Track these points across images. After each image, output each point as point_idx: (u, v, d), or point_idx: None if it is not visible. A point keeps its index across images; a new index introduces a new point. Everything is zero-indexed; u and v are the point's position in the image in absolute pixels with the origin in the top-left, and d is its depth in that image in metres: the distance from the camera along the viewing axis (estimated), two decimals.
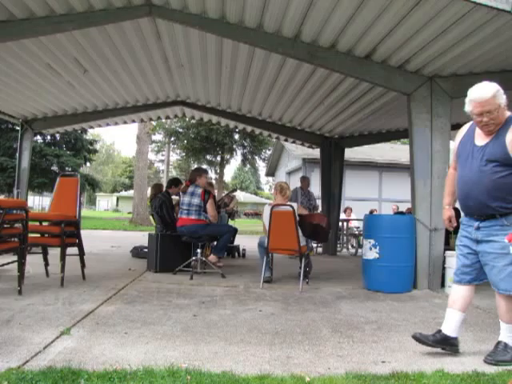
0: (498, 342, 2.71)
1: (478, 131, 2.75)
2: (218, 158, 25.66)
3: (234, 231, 7.03)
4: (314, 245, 9.35)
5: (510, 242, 2.59)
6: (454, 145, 2.94)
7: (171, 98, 8.90)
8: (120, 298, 4.16)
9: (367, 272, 5.15)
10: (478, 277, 2.78)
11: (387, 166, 16.22)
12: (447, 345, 2.75)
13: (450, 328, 2.77)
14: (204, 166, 22.91)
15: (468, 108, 2.67)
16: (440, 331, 2.79)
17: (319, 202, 9.97)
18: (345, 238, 11.38)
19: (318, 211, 8.96)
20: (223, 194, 9.98)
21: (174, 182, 7.09)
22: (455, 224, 3.01)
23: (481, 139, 2.71)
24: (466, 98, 2.66)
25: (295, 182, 17.09)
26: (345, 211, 12.61)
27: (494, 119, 2.59)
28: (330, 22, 4.76)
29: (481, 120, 2.61)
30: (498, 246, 2.62)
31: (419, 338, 2.77)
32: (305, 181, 9.19)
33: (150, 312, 3.63)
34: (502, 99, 2.59)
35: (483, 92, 2.57)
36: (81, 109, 8.91)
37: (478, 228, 2.72)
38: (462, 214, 2.93)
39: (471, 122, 2.82)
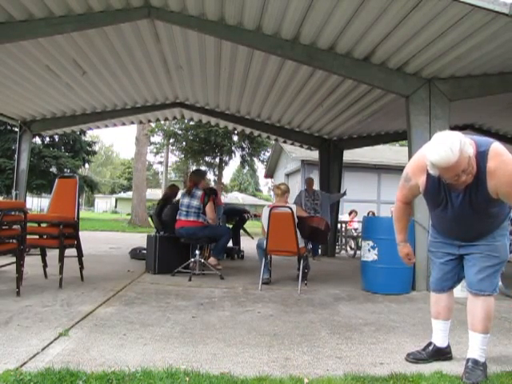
0: (467, 360, 2.47)
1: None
2: (217, 160, 25.62)
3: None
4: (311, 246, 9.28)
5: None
6: (412, 180, 2.53)
7: (170, 99, 8.91)
8: (118, 299, 4.15)
9: (366, 274, 5.15)
10: (458, 278, 2.68)
11: (386, 167, 16.23)
12: (441, 355, 2.73)
13: (441, 339, 2.73)
14: (203, 168, 22.91)
15: (435, 173, 2.25)
16: (431, 343, 2.74)
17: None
18: (343, 239, 11.38)
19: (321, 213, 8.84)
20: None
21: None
22: (414, 260, 2.85)
23: (454, 188, 2.36)
24: (428, 161, 2.23)
25: (294, 184, 17.12)
26: (350, 214, 12.67)
27: (471, 172, 2.23)
28: (328, 24, 4.77)
29: (458, 180, 2.23)
30: (486, 249, 2.47)
31: (414, 359, 2.68)
32: (309, 182, 9.13)
33: (149, 313, 3.63)
34: (469, 148, 2.18)
35: (448, 155, 2.13)
36: (79, 110, 8.91)
37: (460, 246, 2.58)
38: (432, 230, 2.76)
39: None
